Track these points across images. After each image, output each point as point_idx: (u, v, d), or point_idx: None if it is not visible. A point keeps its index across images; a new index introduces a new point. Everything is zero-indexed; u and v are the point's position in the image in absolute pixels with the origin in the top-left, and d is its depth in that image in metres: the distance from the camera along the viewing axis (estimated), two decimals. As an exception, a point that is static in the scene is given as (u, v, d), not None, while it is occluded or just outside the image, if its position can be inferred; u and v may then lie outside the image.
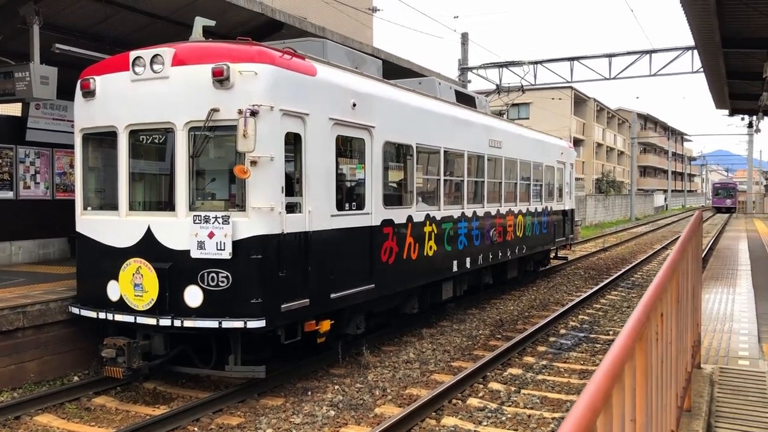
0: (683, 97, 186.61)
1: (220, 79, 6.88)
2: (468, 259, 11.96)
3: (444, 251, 11.01)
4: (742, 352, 6.06)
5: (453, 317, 11.78)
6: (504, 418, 6.65)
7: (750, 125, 23.74)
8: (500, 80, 27.08)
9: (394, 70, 15.80)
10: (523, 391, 7.60)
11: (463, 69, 27.64)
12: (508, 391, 7.58)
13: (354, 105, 8.36)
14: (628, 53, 25.21)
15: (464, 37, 27.82)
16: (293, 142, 7.45)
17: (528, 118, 47.96)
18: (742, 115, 21.74)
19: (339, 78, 8.28)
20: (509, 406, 7.07)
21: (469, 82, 27.75)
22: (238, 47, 7.22)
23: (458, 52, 27.71)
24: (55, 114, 12.69)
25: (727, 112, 20.64)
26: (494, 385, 7.78)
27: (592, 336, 10.49)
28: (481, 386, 7.80)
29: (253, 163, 6.83)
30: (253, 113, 6.70)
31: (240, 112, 6.64)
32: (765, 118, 19.34)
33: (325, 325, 7.94)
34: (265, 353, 7.75)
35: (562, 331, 10.81)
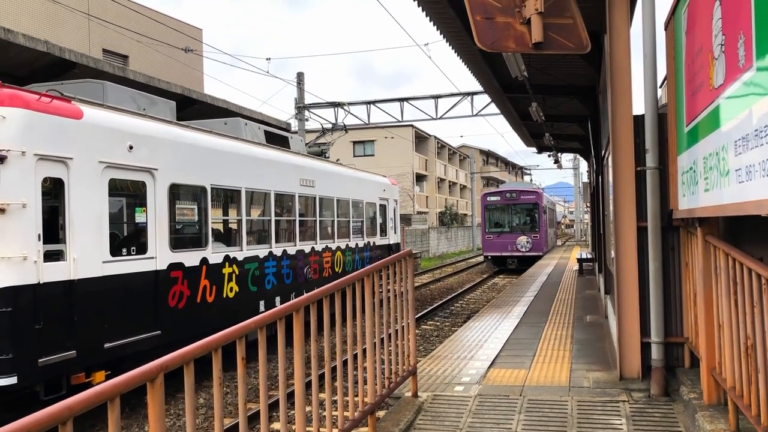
0: (502, 135, 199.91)
1: (-36, 123, 6.52)
2: (278, 299, 11.98)
3: (248, 292, 10.97)
4: (465, 378, 6.30)
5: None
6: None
7: (556, 161, 26.07)
8: (336, 119, 27.88)
9: (215, 111, 15.74)
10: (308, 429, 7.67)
11: (299, 108, 28.12)
12: (289, 430, 7.62)
13: (131, 147, 8.22)
14: (452, 95, 26.85)
15: (299, 77, 28.29)
16: (55, 187, 7.18)
17: (373, 155, 49.40)
18: (548, 152, 23.76)
19: (112, 120, 8.10)
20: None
21: (307, 120, 28.29)
22: (-13, 90, 6.88)
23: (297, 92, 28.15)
24: None
25: (535, 149, 22.45)
26: (276, 426, 7.80)
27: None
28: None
29: (2, 210, 6.50)
30: (1, 159, 6.41)
31: (-15, 157, 6.33)
32: (562, 153, 21.37)
33: (99, 377, 7.62)
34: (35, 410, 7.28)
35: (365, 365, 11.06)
